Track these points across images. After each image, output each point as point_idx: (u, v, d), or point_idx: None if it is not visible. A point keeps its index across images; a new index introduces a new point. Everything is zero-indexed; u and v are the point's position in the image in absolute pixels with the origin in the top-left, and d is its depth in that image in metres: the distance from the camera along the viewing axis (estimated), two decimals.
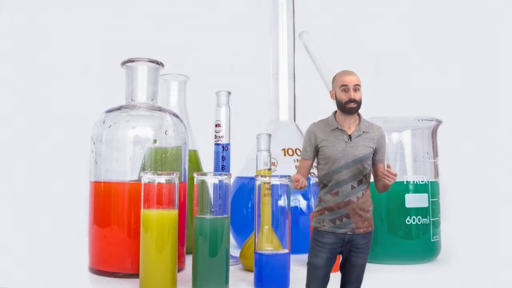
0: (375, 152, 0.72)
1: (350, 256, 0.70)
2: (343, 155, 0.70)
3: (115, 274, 0.99)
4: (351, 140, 0.70)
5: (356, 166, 0.69)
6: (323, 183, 0.71)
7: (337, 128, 0.71)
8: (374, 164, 0.72)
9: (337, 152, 0.70)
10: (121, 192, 1.00)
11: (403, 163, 1.16)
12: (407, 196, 1.13)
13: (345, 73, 0.72)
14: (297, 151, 1.33)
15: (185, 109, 1.34)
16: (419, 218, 1.13)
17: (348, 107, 0.70)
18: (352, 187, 0.69)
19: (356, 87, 0.70)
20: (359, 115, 0.73)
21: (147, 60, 1.06)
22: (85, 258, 1.06)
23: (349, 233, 0.69)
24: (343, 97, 0.70)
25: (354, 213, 0.69)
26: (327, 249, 0.69)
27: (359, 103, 0.70)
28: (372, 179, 0.73)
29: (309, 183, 1.08)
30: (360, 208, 0.69)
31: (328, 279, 0.71)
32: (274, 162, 1.29)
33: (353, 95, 0.70)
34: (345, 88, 0.70)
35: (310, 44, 1.39)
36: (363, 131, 0.71)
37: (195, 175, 0.92)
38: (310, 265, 0.70)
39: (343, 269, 0.72)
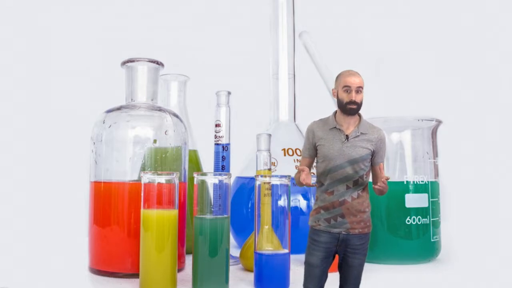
0: (373, 154, 0.71)
1: (346, 257, 0.70)
2: (339, 154, 0.70)
3: (115, 274, 0.99)
4: (348, 140, 0.70)
5: (351, 166, 0.69)
6: (320, 182, 0.71)
7: (335, 127, 0.71)
8: (372, 166, 0.72)
9: (334, 151, 0.70)
10: (121, 192, 1.00)
11: (403, 163, 1.16)
12: (407, 196, 1.13)
13: (350, 73, 0.71)
14: (297, 151, 1.33)
15: (185, 109, 1.34)
16: (419, 218, 1.13)
17: (348, 107, 0.70)
18: (347, 187, 0.69)
19: (359, 89, 0.70)
20: (360, 115, 0.72)
21: (147, 60, 1.06)
22: (85, 258, 1.06)
23: (343, 232, 0.69)
24: (345, 97, 0.70)
25: (349, 213, 0.69)
26: (322, 248, 0.69)
27: (359, 105, 0.70)
28: (371, 180, 0.73)
29: None
30: (355, 208, 0.69)
31: (326, 278, 0.71)
32: (274, 162, 1.29)
33: (355, 96, 0.70)
34: (347, 89, 0.70)
35: (310, 44, 1.39)
36: (361, 132, 0.71)
37: (195, 175, 0.92)
38: (307, 264, 0.71)
39: (341, 269, 0.72)
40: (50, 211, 1.56)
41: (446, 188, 1.33)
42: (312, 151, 0.73)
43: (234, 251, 1.20)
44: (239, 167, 1.35)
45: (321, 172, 0.71)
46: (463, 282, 1.02)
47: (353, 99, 0.70)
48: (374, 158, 0.71)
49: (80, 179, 1.28)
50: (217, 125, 1.07)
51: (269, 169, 1.05)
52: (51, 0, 1.76)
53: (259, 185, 0.96)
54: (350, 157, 0.69)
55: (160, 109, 1.07)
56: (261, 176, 0.98)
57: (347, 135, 0.70)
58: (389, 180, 0.71)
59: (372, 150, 0.71)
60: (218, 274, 0.89)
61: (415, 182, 1.14)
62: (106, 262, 1.00)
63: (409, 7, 1.93)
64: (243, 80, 1.67)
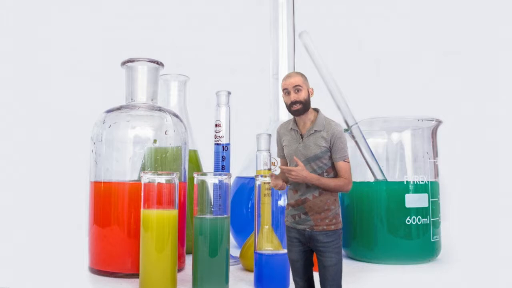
0: (331, 151, 0.71)
1: (319, 256, 0.70)
2: (296, 154, 0.71)
3: (115, 274, 0.99)
4: (302, 139, 0.70)
5: (309, 165, 0.70)
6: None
7: (292, 128, 0.72)
8: (334, 163, 0.71)
9: (291, 151, 0.71)
10: (121, 192, 1.00)
11: (403, 163, 1.16)
12: (407, 196, 1.13)
13: (286, 76, 0.72)
14: None
15: (185, 109, 1.34)
16: (419, 218, 1.13)
17: (292, 109, 0.71)
18: (307, 186, 0.70)
19: (297, 88, 0.70)
20: (317, 112, 0.72)
21: (147, 60, 1.06)
22: (85, 258, 1.06)
23: (307, 229, 0.70)
24: (286, 100, 0.71)
25: (312, 211, 0.70)
26: (295, 243, 0.71)
27: (304, 102, 0.70)
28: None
29: None
30: (318, 206, 0.69)
31: (311, 271, 0.72)
32: (274, 162, 1.29)
33: (294, 96, 0.70)
34: (285, 91, 0.71)
35: (310, 44, 1.39)
36: (315, 130, 0.71)
37: (195, 175, 0.92)
38: (289, 259, 0.73)
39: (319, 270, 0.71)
40: (50, 211, 1.56)
41: (446, 188, 1.33)
42: (282, 152, 0.75)
43: (234, 251, 1.20)
44: (239, 167, 1.35)
45: None
46: (463, 282, 1.02)
47: (293, 99, 0.70)
48: (332, 155, 0.71)
49: (80, 179, 1.28)
50: (217, 125, 1.07)
51: (269, 169, 1.05)
52: (51, 0, 1.76)
53: (259, 185, 0.96)
54: (305, 156, 0.70)
55: (160, 109, 1.07)
56: (261, 176, 0.98)
57: (301, 135, 0.71)
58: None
59: (328, 146, 0.70)
60: (218, 274, 0.89)
61: (415, 182, 1.14)
62: (106, 262, 1.00)
63: (409, 7, 1.93)
64: (243, 80, 1.67)
